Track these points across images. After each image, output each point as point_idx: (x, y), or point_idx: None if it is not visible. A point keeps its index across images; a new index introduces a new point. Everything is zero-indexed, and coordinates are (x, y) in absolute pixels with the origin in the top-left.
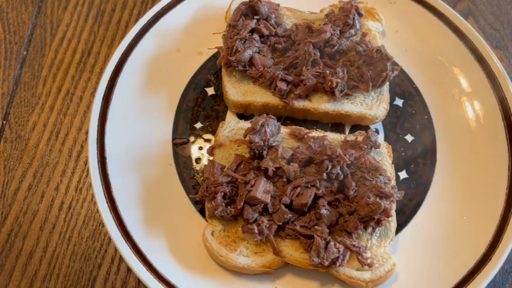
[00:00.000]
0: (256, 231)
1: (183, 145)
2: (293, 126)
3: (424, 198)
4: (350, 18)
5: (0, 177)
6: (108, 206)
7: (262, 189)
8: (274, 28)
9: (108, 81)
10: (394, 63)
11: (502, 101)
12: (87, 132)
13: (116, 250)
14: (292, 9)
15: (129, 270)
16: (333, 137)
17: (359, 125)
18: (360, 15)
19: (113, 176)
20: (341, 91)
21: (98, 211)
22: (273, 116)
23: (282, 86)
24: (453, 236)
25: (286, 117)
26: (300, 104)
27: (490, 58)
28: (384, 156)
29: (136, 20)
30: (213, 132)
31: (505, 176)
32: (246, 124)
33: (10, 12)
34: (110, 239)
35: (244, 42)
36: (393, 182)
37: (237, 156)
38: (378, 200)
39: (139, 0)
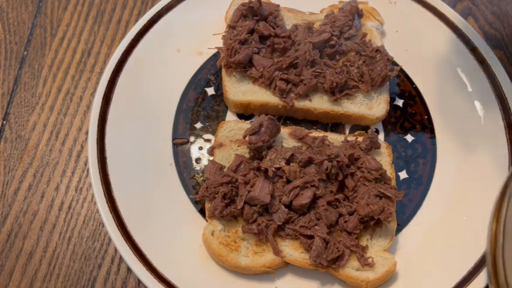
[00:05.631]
0: (256, 231)
1: (183, 145)
2: (293, 126)
3: (424, 198)
4: (350, 19)
5: (0, 177)
6: (108, 206)
7: (262, 190)
8: (273, 29)
9: (108, 81)
10: (394, 63)
11: (502, 101)
12: (87, 132)
13: (116, 250)
14: (292, 10)
15: (129, 270)
16: (333, 137)
17: (359, 125)
18: (359, 15)
19: (113, 176)
20: (341, 91)
21: (98, 211)
22: (272, 116)
23: (282, 85)
24: (453, 236)
25: (286, 117)
26: (300, 104)
27: (490, 58)
28: (383, 156)
29: (137, 20)
30: (213, 132)
31: (505, 176)
32: (246, 124)
33: (10, 12)
34: (110, 239)
35: (244, 43)
36: (393, 182)
37: (237, 156)
38: (377, 200)
39: (139, 0)
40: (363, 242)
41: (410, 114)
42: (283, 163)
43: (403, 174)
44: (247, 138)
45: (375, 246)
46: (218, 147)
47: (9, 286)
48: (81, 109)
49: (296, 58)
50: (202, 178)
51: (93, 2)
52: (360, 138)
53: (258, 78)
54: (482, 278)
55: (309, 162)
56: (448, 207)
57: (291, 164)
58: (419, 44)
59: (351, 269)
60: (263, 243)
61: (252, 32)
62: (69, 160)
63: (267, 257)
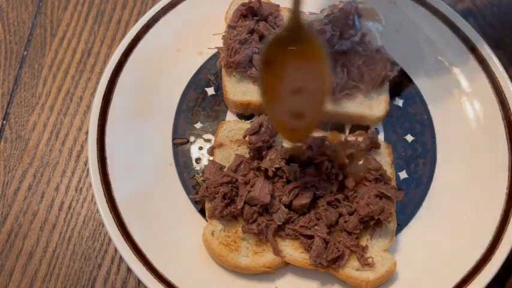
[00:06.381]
0: (256, 231)
1: (183, 145)
2: None
3: (424, 198)
4: (350, 19)
5: (0, 177)
6: (108, 206)
7: (262, 190)
8: (273, 29)
9: (108, 81)
10: (394, 63)
11: (502, 101)
12: (87, 132)
13: (116, 250)
14: None
15: (129, 270)
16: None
17: (359, 125)
18: (359, 15)
19: (113, 176)
20: (341, 91)
21: (98, 211)
22: None
23: None
24: (453, 236)
25: None
26: None
27: (490, 58)
28: (383, 156)
29: (137, 20)
30: (213, 132)
31: (505, 176)
32: (246, 124)
33: (10, 12)
34: (110, 239)
35: (244, 43)
36: (393, 182)
37: (237, 156)
38: (377, 200)
39: (139, 0)
40: (363, 242)
41: (410, 114)
42: (283, 163)
43: (403, 174)
44: (247, 138)
45: (375, 246)
46: (218, 147)
47: (9, 286)
48: (81, 109)
49: None
50: (202, 178)
51: (93, 2)
52: (360, 138)
53: None
54: (482, 278)
55: (309, 162)
56: (448, 207)
57: (291, 164)
58: (419, 44)
59: (351, 269)
60: (263, 243)
61: (252, 32)
62: (69, 160)
63: (267, 257)
